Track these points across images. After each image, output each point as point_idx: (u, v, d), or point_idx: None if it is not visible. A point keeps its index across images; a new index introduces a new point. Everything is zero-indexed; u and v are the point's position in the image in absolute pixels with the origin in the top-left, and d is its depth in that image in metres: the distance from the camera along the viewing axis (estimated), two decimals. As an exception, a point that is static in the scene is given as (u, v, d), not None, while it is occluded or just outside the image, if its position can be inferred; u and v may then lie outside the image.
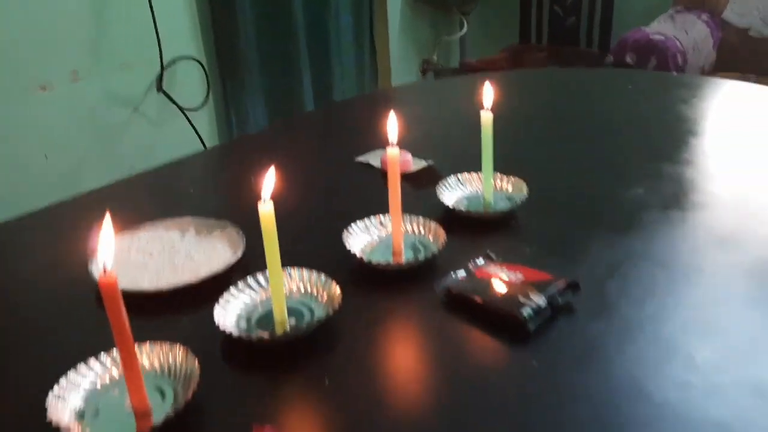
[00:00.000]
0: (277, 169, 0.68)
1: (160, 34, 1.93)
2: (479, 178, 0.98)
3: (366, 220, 0.88)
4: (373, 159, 1.14)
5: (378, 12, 2.77)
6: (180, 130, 2.06)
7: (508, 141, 1.15)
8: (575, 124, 1.27)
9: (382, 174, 1.08)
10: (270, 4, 2.28)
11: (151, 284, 0.79)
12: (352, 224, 0.86)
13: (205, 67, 2.12)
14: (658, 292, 0.74)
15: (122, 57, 1.91)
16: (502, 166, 0.99)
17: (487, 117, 0.90)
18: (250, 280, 0.76)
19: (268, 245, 0.68)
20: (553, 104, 1.38)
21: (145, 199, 1.08)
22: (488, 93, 0.91)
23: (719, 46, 2.41)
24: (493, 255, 0.80)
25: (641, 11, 2.72)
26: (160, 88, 1.97)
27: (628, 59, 2.15)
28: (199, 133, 2.12)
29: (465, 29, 3.03)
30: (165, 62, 1.97)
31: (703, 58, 2.34)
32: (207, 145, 2.14)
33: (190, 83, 2.10)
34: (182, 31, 2.06)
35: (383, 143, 0.81)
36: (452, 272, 0.77)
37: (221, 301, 0.73)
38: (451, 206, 0.92)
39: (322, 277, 0.76)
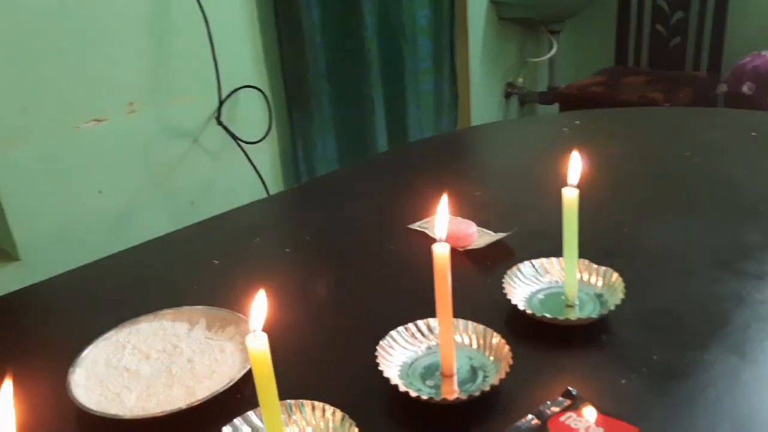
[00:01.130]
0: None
1: (219, 64, 1.81)
2: (561, 268, 0.77)
3: (410, 326, 0.69)
4: (428, 228, 0.95)
5: (459, 33, 2.57)
6: (240, 163, 1.94)
7: (602, 212, 0.94)
8: (685, 187, 1.03)
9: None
10: (341, 30, 2.14)
11: (138, 402, 0.64)
12: (389, 336, 0.67)
13: (269, 98, 1.99)
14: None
15: (180, 88, 1.80)
16: (592, 249, 0.78)
17: (571, 197, 0.70)
18: (252, 416, 0.59)
19: (261, 386, 0.50)
20: (660, 156, 1.14)
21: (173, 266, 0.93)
22: (575, 166, 0.70)
23: None
24: (575, 392, 0.60)
25: (757, 32, 2.39)
26: (219, 120, 1.86)
27: (746, 89, 1.86)
28: (261, 166, 1.99)
29: (554, 50, 2.78)
30: (225, 93, 1.86)
31: (836, 86, 2.01)
32: (267, 179, 2.01)
33: (252, 115, 1.98)
34: (243, 61, 1.94)
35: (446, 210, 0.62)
36: (520, 421, 0.57)
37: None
38: (520, 307, 0.72)
39: (341, 417, 0.58)
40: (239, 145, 1.91)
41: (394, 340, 0.67)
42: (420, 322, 0.69)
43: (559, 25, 2.77)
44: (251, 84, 1.94)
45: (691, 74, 2.50)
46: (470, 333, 0.68)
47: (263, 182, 1.96)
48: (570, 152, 0.72)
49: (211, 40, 1.77)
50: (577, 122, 1.31)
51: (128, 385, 0.66)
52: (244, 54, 1.94)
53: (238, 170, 1.94)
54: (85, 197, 1.70)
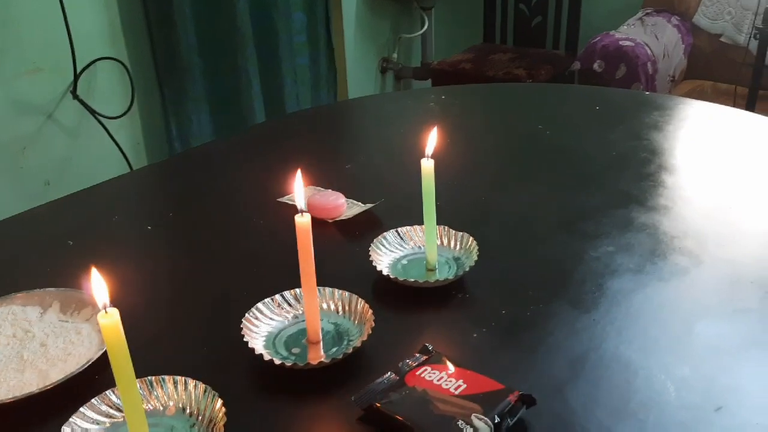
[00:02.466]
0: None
1: (73, 35, 1.71)
2: (423, 234, 0.82)
3: (277, 297, 0.72)
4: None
5: (334, 8, 2.58)
6: (101, 140, 1.85)
7: (461, 182, 1.00)
8: (537, 158, 1.12)
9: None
10: (212, 4, 2.09)
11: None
12: (255, 308, 0.70)
13: (130, 71, 1.91)
14: (633, 398, 0.60)
15: (30, 59, 1.69)
16: (451, 216, 0.83)
17: (428, 167, 0.75)
18: (110, 395, 0.59)
19: (115, 362, 0.51)
20: (516, 129, 1.23)
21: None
22: (432, 139, 0.75)
23: (690, 52, 2.29)
24: (431, 348, 0.65)
25: (610, 12, 2.59)
26: (75, 94, 1.77)
27: (596, 67, 2.02)
28: (125, 142, 1.92)
29: (426, 27, 2.86)
30: (81, 65, 1.76)
31: (674, 65, 2.22)
32: (132, 156, 1.94)
33: (112, 89, 1.89)
34: (100, 32, 1.84)
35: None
36: (380, 378, 0.61)
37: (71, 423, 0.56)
38: (385, 273, 0.76)
39: (204, 389, 0.59)
40: (99, 121, 1.83)
41: (260, 311, 0.70)
42: (287, 293, 0.72)
43: (431, 1, 2.84)
44: (110, 56, 1.86)
45: (551, 52, 2.66)
46: (336, 300, 0.71)
47: (126, 159, 1.90)
48: (433, 126, 0.76)
49: (64, 9, 1.68)
50: (443, 97, 1.38)
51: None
52: (101, 24, 1.84)
53: (99, 147, 1.86)
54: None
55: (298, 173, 0.66)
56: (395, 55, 2.92)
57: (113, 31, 1.88)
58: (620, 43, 2.02)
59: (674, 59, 2.21)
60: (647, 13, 2.31)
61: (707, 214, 0.90)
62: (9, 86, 1.67)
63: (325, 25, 2.50)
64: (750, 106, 1.79)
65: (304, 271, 0.64)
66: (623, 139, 1.13)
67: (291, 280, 0.70)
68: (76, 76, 1.76)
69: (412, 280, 0.74)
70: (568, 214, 0.92)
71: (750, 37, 2.00)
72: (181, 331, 0.73)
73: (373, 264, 0.77)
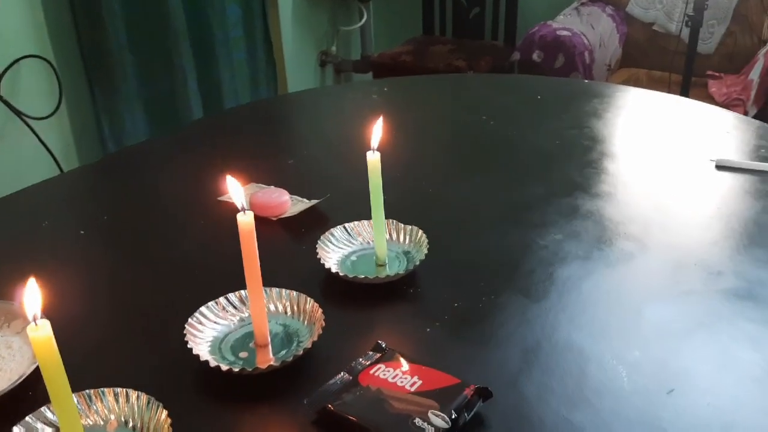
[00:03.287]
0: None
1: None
2: (372, 229, 0.81)
3: (221, 300, 0.69)
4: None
5: (269, 1, 2.53)
6: (28, 141, 1.77)
7: (408, 174, 0.99)
8: (481, 149, 1.12)
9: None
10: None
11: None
12: (198, 312, 0.67)
13: (57, 69, 1.82)
14: (587, 385, 0.60)
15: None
16: (400, 210, 0.82)
17: (374, 160, 0.73)
18: (46, 411, 0.56)
19: (49, 377, 0.48)
20: (460, 121, 1.22)
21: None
22: (377, 131, 0.74)
23: (625, 41, 2.34)
24: (384, 345, 0.63)
25: (546, 2, 2.62)
26: (-1, 95, 1.68)
27: (535, 57, 2.04)
28: (54, 143, 1.83)
29: (364, 19, 2.84)
30: (3, 64, 1.68)
31: (610, 54, 2.26)
32: (61, 157, 1.86)
33: (39, 89, 1.81)
34: (24, 29, 1.75)
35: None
36: (333, 380, 0.59)
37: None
38: (333, 270, 0.75)
39: (147, 400, 0.56)
40: (25, 122, 1.74)
41: (204, 316, 0.67)
42: (232, 295, 0.69)
43: (369, -6, 2.83)
44: (35, 54, 1.77)
45: (490, 43, 2.68)
46: (283, 300, 0.69)
47: (56, 161, 1.81)
48: (377, 118, 0.75)
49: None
50: (386, 89, 1.36)
51: None
52: (24, 21, 1.76)
53: (26, 149, 1.77)
54: None
55: (229, 178, 0.63)
56: (334, 48, 2.89)
57: (38, 28, 1.80)
58: (558, 33, 2.05)
59: (610, 48, 2.26)
60: (582, 3, 2.35)
61: (649, 199, 0.92)
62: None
63: (262, 18, 2.45)
64: (684, 93, 1.84)
65: (249, 272, 0.62)
66: (565, 127, 1.14)
67: (236, 281, 0.68)
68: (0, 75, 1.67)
69: (362, 276, 0.73)
70: (514, 204, 0.92)
71: (682, 25, 2.06)
72: (121, 340, 0.69)
73: (321, 262, 0.75)
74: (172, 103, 2.16)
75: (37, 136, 1.76)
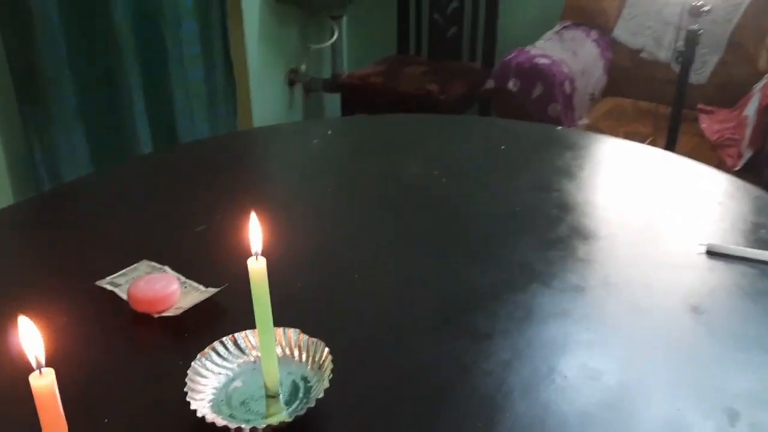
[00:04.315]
0: None
1: None
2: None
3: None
4: (122, 285, 0.76)
5: (232, 16, 2.36)
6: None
7: (322, 248, 0.82)
8: (423, 216, 0.94)
9: (130, 313, 0.71)
10: (83, 11, 1.83)
11: None
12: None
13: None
14: None
15: None
16: (304, 304, 0.64)
17: (258, 269, 0.55)
18: None
19: None
20: (402, 175, 1.04)
21: None
22: (256, 231, 0.56)
23: (610, 68, 2.18)
24: None
25: (527, 23, 2.45)
26: None
27: (511, 86, 1.87)
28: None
29: (335, 37, 2.67)
30: None
31: (593, 83, 2.10)
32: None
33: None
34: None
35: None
36: None
37: None
38: (207, 417, 0.56)
39: None
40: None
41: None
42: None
43: (340, 10, 2.65)
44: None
45: (467, 65, 2.51)
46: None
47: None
48: (251, 212, 0.57)
49: None
50: (330, 132, 1.19)
51: None
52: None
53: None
54: None
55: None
56: (303, 67, 2.71)
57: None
58: (536, 60, 1.88)
59: (593, 76, 2.09)
60: (565, 27, 2.19)
61: (624, 299, 0.74)
62: None
63: (222, 34, 2.27)
64: (673, 129, 1.67)
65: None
66: (529, 188, 0.97)
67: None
68: None
69: (235, 426, 0.55)
70: (455, 299, 0.74)
71: (672, 52, 1.90)
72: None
73: (191, 407, 0.57)
74: (116, 125, 1.98)
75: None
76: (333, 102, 2.77)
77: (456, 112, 2.29)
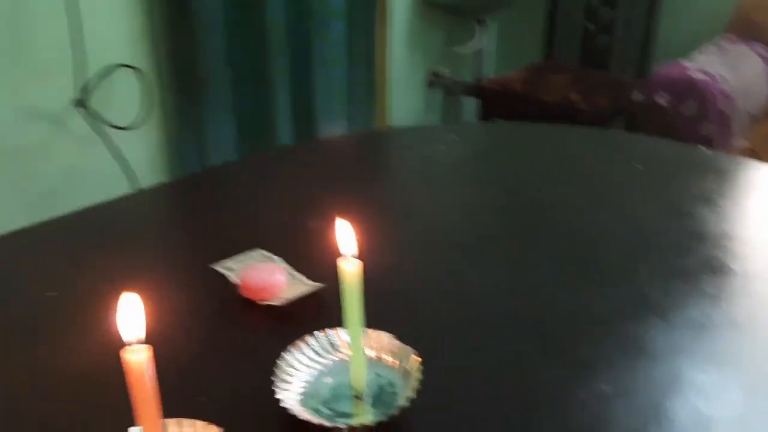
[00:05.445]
0: None
1: (89, 42, 1.61)
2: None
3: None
4: (234, 270, 0.79)
5: (379, 16, 2.40)
6: (112, 150, 1.75)
7: (426, 255, 0.81)
8: (538, 234, 0.90)
9: (238, 297, 0.74)
10: (241, 10, 1.95)
11: None
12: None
13: (149, 80, 1.79)
14: None
15: (42, 66, 1.60)
16: (400, 308, 0.64)
17: (351, 272, 0.55)
18: None
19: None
20: (520, 190, 1.01)
21: None
22: (347, 233, 0.56)
23: (777, 87, 1.99)
24: None
25: (687, 34, 2.29)
26: (87, 103, 1.66)
27: (661, 100, 1.75)
28: (138, 154, 1.81)
29: (481, 40, 2.64)
30: (95, 73, 1.66)
31: (755, 102, 1.92)
32: (146, 168, 1.83)
33: (130, 99, 1.78)
34: (118, 40, 1.74)
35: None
36: None
37: None
38: (292, 409, 0.57)
39: None
40: (109, 131, 1.72)
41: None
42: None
43: (488, 14, 2.62)
44: (128, 63, 1.74)
45: (615, 77, 2.38)
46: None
47: (129, 174, 1.78)
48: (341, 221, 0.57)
49: (78, 12, 1.57)
50: (455, 138, 1.18)
51: None
52: (119, 32, 1.73)
53: (108, 158, 1.75)
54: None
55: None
56: (445, 69, 2.71)
57: (132, 38, 1.77)
58: (690, 74, 1.75)
59: (755, 95, 1.91)
60: (727, 39, 2.02)
61: (762, 345, 0.67)
62: (18, 92, 1.57)
63: (367, 35, 2.32)
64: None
65: (141, 410, 0.46)
66: (661, 212, 0.91)
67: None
68: (89, 85, 1.65)
69: (329, 424, 0.56)
70: (558, 322, 0.70)
71: None
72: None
73: (276, 397, 0.58)
74: (260, 118, 2.09)
75: (119, 146, 1.74)
76: (472, 106, 2.75)
77: (600, 125, 2.18)
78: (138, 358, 0.44)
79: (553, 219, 0.91)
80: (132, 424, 0.50)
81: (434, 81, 2.70)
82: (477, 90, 2.57)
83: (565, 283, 0.77)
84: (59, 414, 0.60)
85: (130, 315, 0.46)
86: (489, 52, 2.77)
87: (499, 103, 2.38)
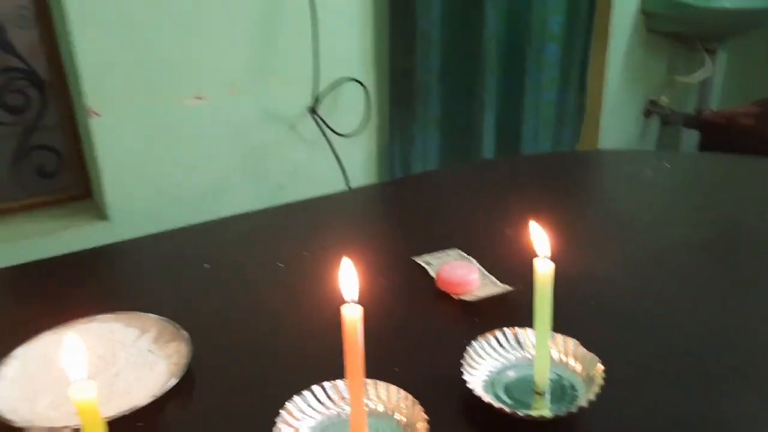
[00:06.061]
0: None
1: (324, 55, 1.80)
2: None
3: (316, 389, 0.62)
4: (433, 265, 0.86)
5: (597, 42, 2.37)
6: (331, 154, 1.93)
7: (625, 271, 0.81)
8: (746, 265, 0.86)
9: (434, 289, 0.81)
10: (460, 29, 2.05)
11: (46, 409, 0.63)
12: (291, 401, 0.61)
13: (371, 93, 1.96)
14: None
15: (282, 74, 1.82)
16: (592, 316, 0.66)
17: (544, 274, 0.59)
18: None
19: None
20: (730, 218, 0.96)
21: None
22: (542, 236, 0.59)
23: None
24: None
25: None
26: (316, 110, 1.85)
27: None
28: (354, 160, 1.97)
29: (708, 71, 2.49)
30: (326, 84, 1.85)
31: None
32: (360, 174, 1.99)
33: (353, 109, 1.96)
34: (349, 53, 1.92)
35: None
36: None
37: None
38: (476, 391, 0.62)
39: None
40: (332, 137, 1.90)
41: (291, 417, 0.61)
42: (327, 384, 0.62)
43: (719, 43, 2.46)
44: (355, 77, 1.92)
45: None
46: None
47: (345, 175, 1.94)
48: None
49: (317, 30, 1.77)
50: (667, 165, 1.15)
51: (49, 387, 0.65)
52: (350, 49, 1.91)
53: (328, 161, 1.93)
54: (179, 170, 1.77)
55: (346, 261, 0.55)
56: (665, 99, 2.59)
57: (362, 53, 1.94)
58: None
59: None
60: None
61: None
62: (263, 97, 1.81)
63: (582, 60, 2.30)
64: None
65: (350, 366, 0.54)
66: None
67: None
68: (320, 94, 1.85)
69: (508, 410, 0.59)
70: (754, 352, 0.67)
71: None
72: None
73: (463, 378, 0.63)
74: (465, 133, 2.16)
75: (337, 150, 1.92)
76: (691, 139, 2.59)
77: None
78: (353, 315, 0.52)
79: (757, 252, 0.86)
80: (337, 376, 0.58)
81: (652, 110, 2.60)
82: (699, 122, 2.43)
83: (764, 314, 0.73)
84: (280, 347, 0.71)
85: (349, 277, 0.53)
86: (715, 83, 2.60)
87: (721, 137, 2.22)
